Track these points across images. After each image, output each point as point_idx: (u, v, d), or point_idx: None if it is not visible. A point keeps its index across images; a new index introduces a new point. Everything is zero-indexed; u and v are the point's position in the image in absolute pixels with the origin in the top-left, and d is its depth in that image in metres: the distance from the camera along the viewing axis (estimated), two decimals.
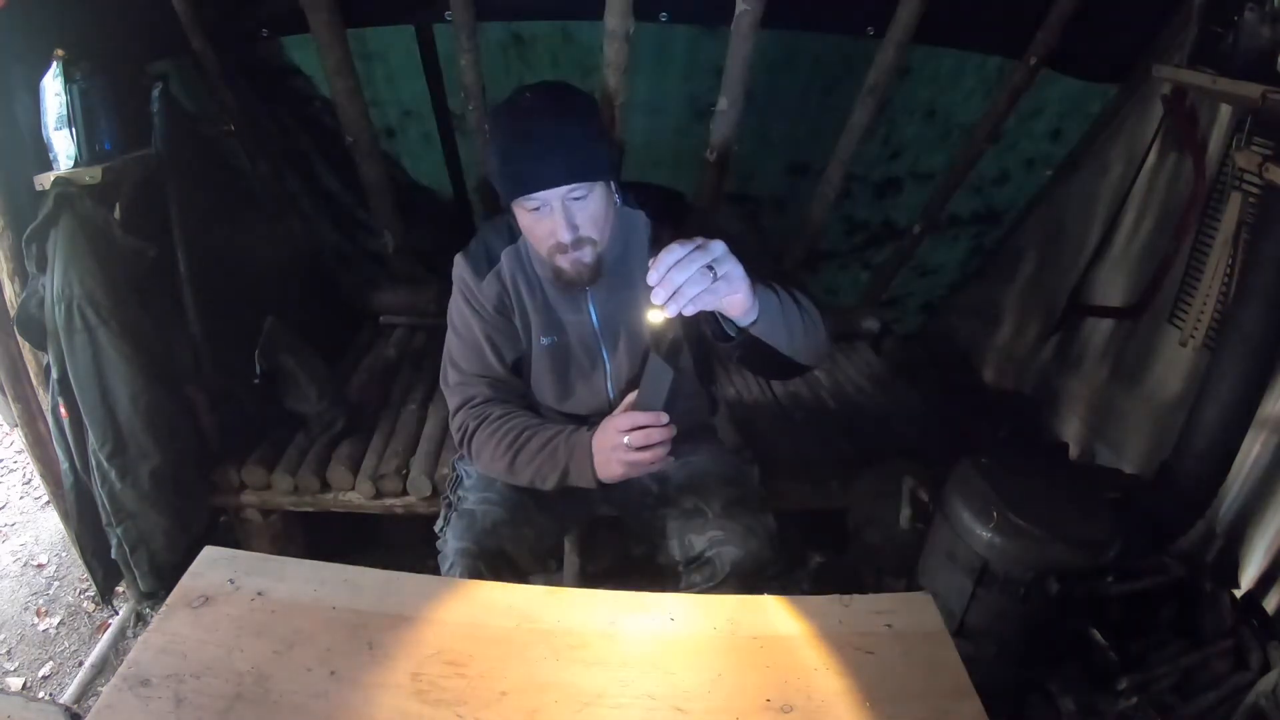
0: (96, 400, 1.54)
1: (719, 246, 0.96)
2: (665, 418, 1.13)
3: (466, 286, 1.30)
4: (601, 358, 1.34)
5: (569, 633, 0.94)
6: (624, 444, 1.14)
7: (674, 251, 0.93)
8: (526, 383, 1.39)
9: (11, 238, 1.51)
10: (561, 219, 1.14)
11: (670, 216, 1.28)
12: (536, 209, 1.15)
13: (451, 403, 1.34)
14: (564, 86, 1.18)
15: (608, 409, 1.37)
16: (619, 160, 1.20)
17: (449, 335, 1.35)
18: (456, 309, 1.33)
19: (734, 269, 0.97)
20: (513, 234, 1.29)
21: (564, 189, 1.12)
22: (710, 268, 0.94)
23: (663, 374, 1.10)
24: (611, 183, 1.22)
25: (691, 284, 0.92)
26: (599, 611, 0.98)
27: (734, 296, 0.98)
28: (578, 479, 1.23)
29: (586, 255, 1.19)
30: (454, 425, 1.34)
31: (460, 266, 1.31)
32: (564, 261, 1.19)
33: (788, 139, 2.14)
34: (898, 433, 2.08)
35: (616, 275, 1.28)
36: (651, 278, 0.93)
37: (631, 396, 1.17)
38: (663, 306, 0.93)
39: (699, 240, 0.95)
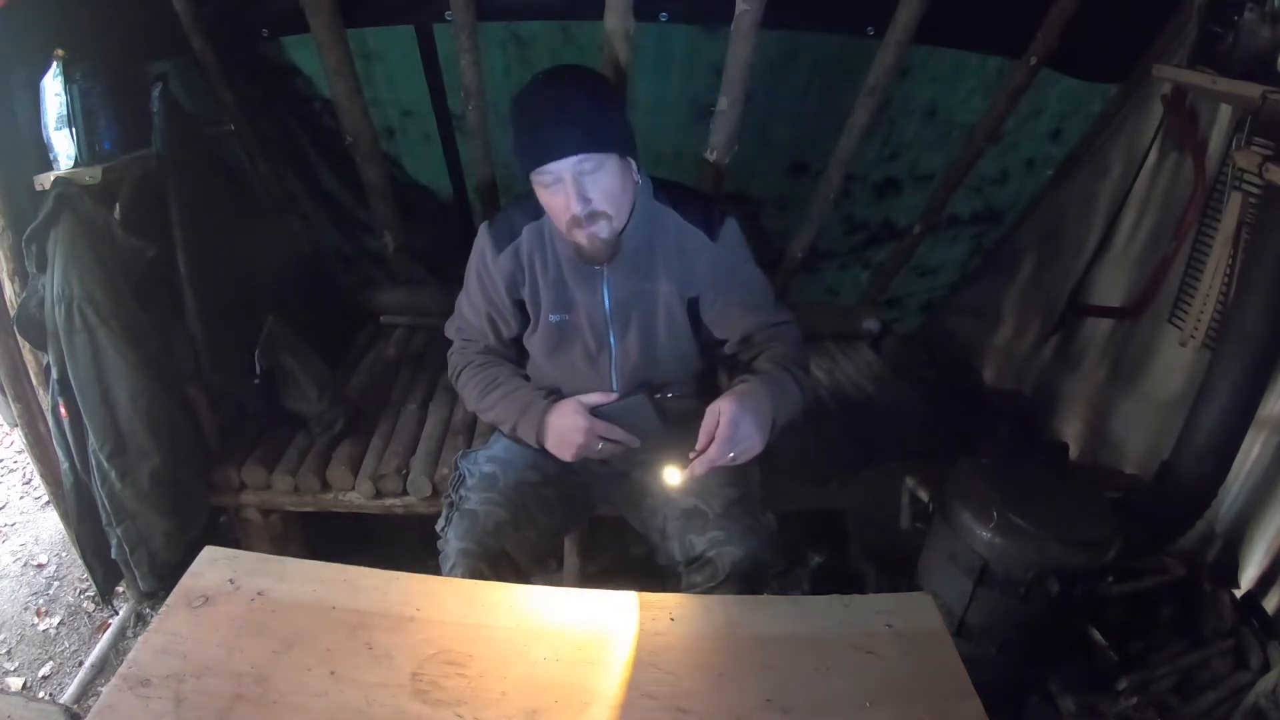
0: (96, 400, 1.54)
1: (745, 433, 1.15)
2: (638, 444, 1.29)
3: (483, 258, 1.34)
4: (609, 342, 1.35)
5: (569, 633, 0.94)
6: (595, 446, 1.27)
7: (713, 456, 1.14)
8: (521, 352, 1.45)
9: (11, 238, 1.51)
10: (573, 191, 1.15)
11: (706, 227, 1.31)
12: (549, 184, 1.16)
13: (450, 339, 1.48)
14: (575, 66, 1.21)
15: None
16: (633, 137, 1.21)
17: (464, 289, 1.41)
18: (473, 273, 1.37)
19: (755, 446, 1.17)
20: (538, 211, 1.30)
21: (573, 160, 1.13)
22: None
23: (656, 428, 1.27)
24: (632, 162, 1.23)
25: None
26: (599, 611, 0.98)
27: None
28: (523, 435, 1.34)
29: (602, 230, 1.19)
30: (450, 362, 1.47)
31: (482, 237, 1.34)
32: (581, 236, 1.20)
33: (788, 139, 2.14)
34: (898, 433, 2.07)
35: (635, 264, 1.29)
36: (697, 469, 1.15)
37: (610, 397, 1.31)
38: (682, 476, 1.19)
39: (730, 435, 1.14)
